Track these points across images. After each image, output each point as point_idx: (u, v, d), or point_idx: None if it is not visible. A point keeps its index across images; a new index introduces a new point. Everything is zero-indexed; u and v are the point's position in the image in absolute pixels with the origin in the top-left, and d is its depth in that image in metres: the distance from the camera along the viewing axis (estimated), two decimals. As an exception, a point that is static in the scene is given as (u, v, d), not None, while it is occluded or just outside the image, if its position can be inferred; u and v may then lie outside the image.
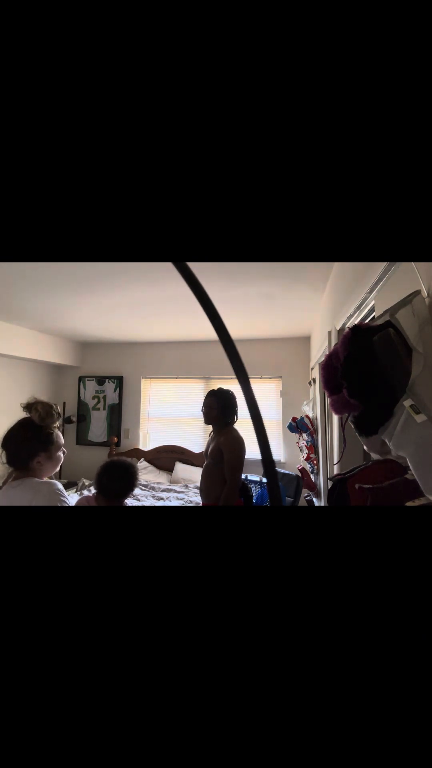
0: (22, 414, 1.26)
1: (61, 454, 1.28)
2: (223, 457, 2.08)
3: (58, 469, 1.30)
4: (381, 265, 1.11)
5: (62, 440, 1.30)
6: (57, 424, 1.27)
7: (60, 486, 1.22)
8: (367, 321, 1.04)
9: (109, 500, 1.42)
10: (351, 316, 1.58)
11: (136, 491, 3.75)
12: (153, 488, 3.87)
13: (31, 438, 1.22)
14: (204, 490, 2.21)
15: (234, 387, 2.22)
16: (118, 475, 1.42)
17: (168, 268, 2.03)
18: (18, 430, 1.23)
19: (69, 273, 2.24)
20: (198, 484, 2.45)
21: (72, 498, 3.37)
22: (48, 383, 4.57)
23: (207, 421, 2.25)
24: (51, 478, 1.28)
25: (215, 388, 2.29)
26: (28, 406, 1.24)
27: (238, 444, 2.11)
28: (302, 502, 3.41)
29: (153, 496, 3.68)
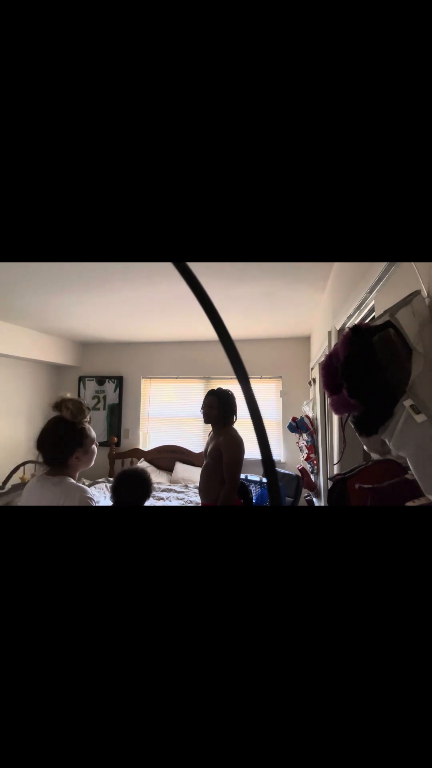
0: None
1: (95, 447, 1.32)
2: (222, 457, 2.08)
3: (93, 462, 1.33)
4: (381, 265, 1.11)
5: (94, 434, 1.32)
6: (87, 418, 1.30)
7: (91, 493, 1.23)
8: (367, 321, 1.04)
9: None
10: (351, 316, 1.58)
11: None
12: (153, 488, 3.87)
13: (66, 435, 1.24)
14: (203, 490, 2.21)
15: (234, 387, 2.23)
16: (135, 485, 1.38)
17: (168, 268, 2.03)
18: (53, 430, 1.24)
19: (69, 273, 2.24)
20: (198, 484, 2.45)
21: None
22: (48, 383, 4.57)
23: (207, 421, 2.25)
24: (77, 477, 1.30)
25: (215, 388, 2.29)
26: (58, 405, 1.26)
27: (237, 444, 2.11)
28: (302, 502, 3.41)
29: (153, 496, 3.68)
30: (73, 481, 1.23)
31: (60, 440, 1.23)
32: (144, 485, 1.39)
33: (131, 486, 1.38)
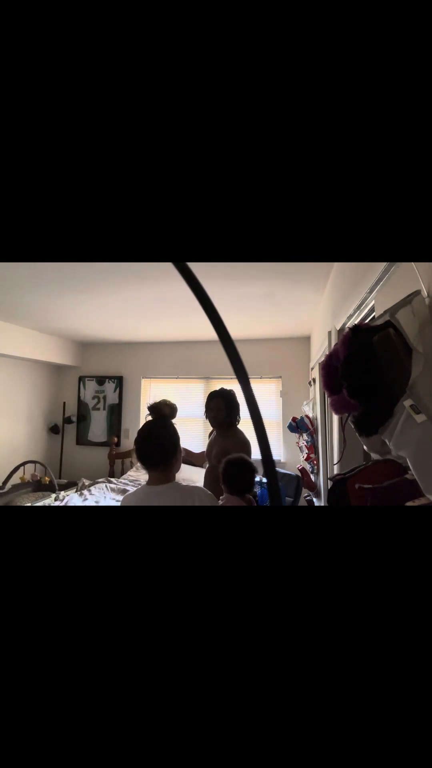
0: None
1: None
2: None
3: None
4: (381, 265, 1.11)
5: None
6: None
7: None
8: (367, 321, 1.04)
9: (240, 497, 1.47)
10: (351, 316, 1.58)
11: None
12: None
13: (174, 434, 1.26)
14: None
15: (234, 387, 2.21)
16: (245, 470, 1.46)
17: (168, 268, 2.03)
18: (163, 428, 1.25)
19: (69, 273, 2.24)
20: (197, 485, 2.42)
21: (72, 498, 3.37)
22: (48, 383, 4.56)
23: (214, 424, 2.18)
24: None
25: (218, 389, 2.23)
26: (156, 408, 1.28)
27: (246, 447, 2.06)
28: (302, 502, 3.41)
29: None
30: (190, 486, 1.24)
31: (169, 437, 1.24)
32: (250, 470, 1.47)
33: (240, 472, 1.45)
